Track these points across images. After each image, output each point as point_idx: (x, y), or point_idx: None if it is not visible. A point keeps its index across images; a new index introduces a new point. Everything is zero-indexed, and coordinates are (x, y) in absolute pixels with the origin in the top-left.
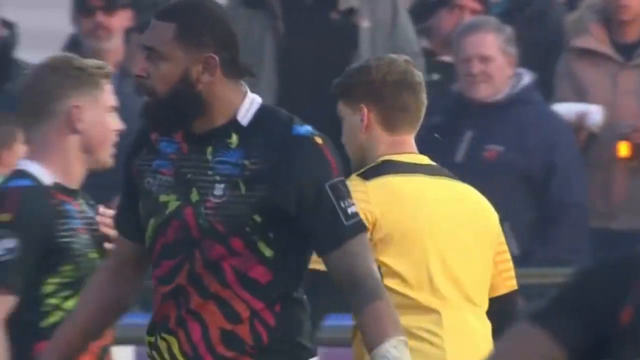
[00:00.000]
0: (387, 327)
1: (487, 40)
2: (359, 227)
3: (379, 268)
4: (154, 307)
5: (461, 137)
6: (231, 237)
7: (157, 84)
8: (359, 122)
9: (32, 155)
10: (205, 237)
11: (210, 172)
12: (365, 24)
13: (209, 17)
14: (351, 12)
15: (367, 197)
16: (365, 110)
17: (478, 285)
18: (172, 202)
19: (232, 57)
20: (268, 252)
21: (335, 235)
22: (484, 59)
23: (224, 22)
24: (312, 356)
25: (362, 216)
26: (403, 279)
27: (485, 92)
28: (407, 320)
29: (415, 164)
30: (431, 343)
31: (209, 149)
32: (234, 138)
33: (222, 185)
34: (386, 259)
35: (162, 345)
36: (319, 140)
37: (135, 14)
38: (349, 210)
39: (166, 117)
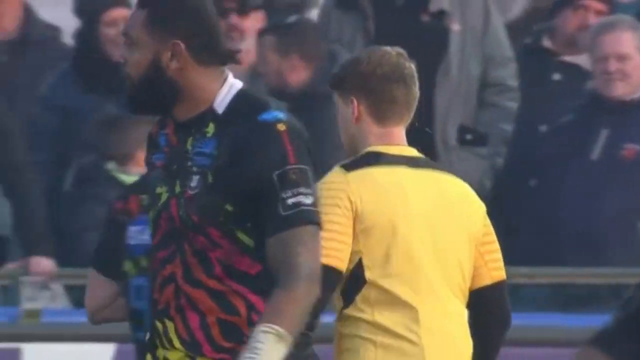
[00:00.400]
0: (273, 314)
1: (623, 38)
2: (298, 219)
3: (360, 260)
4: (153, 293)
5: (596, 136)
6: (207, 227)
7: (131, 69)
8: (350, 113)
9: None
10: (186, 228)
11: (189, 164)
12: (456, 27)
13: (180, 4)
14: (442, 14)
15: (348, 188)
16: (356, 102)
17: (458, 276)
18: (164, 194)
19: (205, 44)
20: (248, 241)
21: (271, 224)
22: (621, 57)
23: (196, 9)
24: (311, 343)
25: (345, 207)
26: (383, 271)
27: (622, 90)
28: (386, 317)
29: (399, 156)
30: (409, 340)
31: (190, 140)
32: (210, 127)
33: (197, 177)
34: (367, 250)
35: (159, 327)
36: (281, 126)
37: (267, 16)
38: (290, 201)
39: (142, 103)
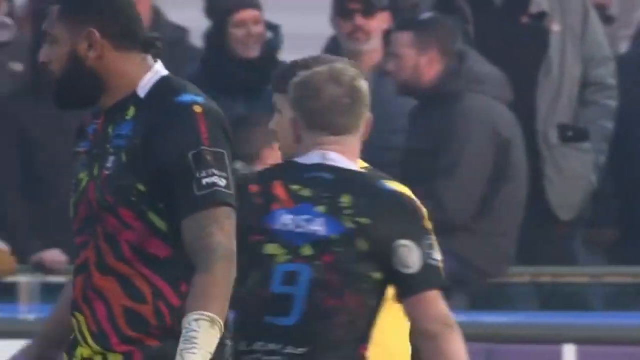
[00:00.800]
0: (199, 300)
1: None
2: (212, 199)
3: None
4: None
5: None
6: (120, 207)
7: (53, 66)
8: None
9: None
10: (101, 210)
11: (108, 146)
12: (555, 28)
13: None
14: (542, 15)
15: None
16: None
17: None
18: (84, 179)
19: (121, 31)
20: (160, 224)
21: (186, 204)
22: None
23: None
24: (224, 338)
25: None
26: None
27: None
28: None
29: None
30: None
31: (112, 125)
32: (131, 110)
33: (113, 158)
34: None
35: (74, 323)
36: (197, 109)
37: (393, 16)
38: (205, 181)
39: (67, 97)
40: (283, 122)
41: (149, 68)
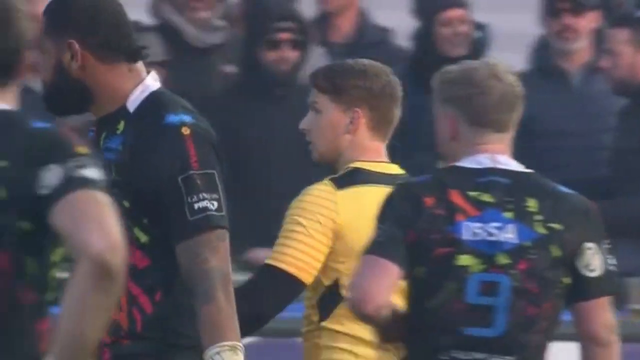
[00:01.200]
0: (213, 332)
1: None
2: (205, 224)
3: (337, 280)
4: None
5: None
6: None
7: (43, 76)
8: (347, 123)
9: None
10: None
11: (100, 157)
12: None
13: (70, 4)
14: None
15: (335, 207)
16: (360, 114)
17: None
18: None
19: (102, 41)
20: (143, 238)
21: (179, 229)
22: None
23: (90, 7)
24: (193, 344)
25: (328, 224)
26: None
27: None
28: (365, 330)
29: (382, 174)
30: (386, 350)
31: (103, 135)
32: (121, 124)
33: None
34: (347, 272)
35: None
36: (185, 130)
37: (603, 15)
38: (197, 206)
39: (56, 105)
40: (321, 122)
41: (139, 80)
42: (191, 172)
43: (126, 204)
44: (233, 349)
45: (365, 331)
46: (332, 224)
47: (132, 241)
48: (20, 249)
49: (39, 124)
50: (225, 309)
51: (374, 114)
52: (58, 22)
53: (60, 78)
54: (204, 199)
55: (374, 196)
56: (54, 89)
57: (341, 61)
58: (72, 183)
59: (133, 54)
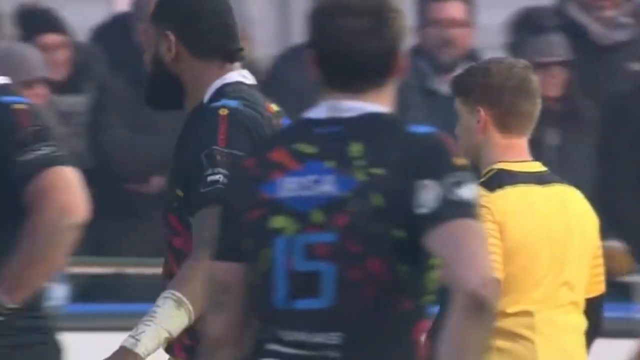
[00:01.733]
0: (175, 281)
1: None
2: (211, 197)
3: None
4: None
5: None
6: (168, 214)
7: (147, 65)
8: (475, 123)
9: None
10: (161, 219)
11: None
12: None
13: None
14: None
15: (494, 208)
16: (483, 113)
17: (582, 289)
18: None
19: (199, 37)
20: None
21: (193, 201)
22: None
23: (193, 2)
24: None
25: (491, 226)
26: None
27: None
28: (503, 322)
29: (528, 173)
30: (524, 345)
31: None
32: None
33: None
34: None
35: None
36: (223, 112)
37: None
38: (209, 179)
39: (153, 97)
40: (459, 125)
41: (222, 77)
42: (214, 147)
43: (179, 193)
44: (179, 302)
45: (503, 323)
46: (495, 226)
47: (190, 231)
48: (393, 256)
49: (418, 129)
50: (202, 268)
51: (496, 111)
52: (160, 13)
53: (157, 67)
54: (218, 174)
55: (524, 197)
56: (152, 79)
57: (481, 60)
58: (452, 209)
59: (229, 55)
